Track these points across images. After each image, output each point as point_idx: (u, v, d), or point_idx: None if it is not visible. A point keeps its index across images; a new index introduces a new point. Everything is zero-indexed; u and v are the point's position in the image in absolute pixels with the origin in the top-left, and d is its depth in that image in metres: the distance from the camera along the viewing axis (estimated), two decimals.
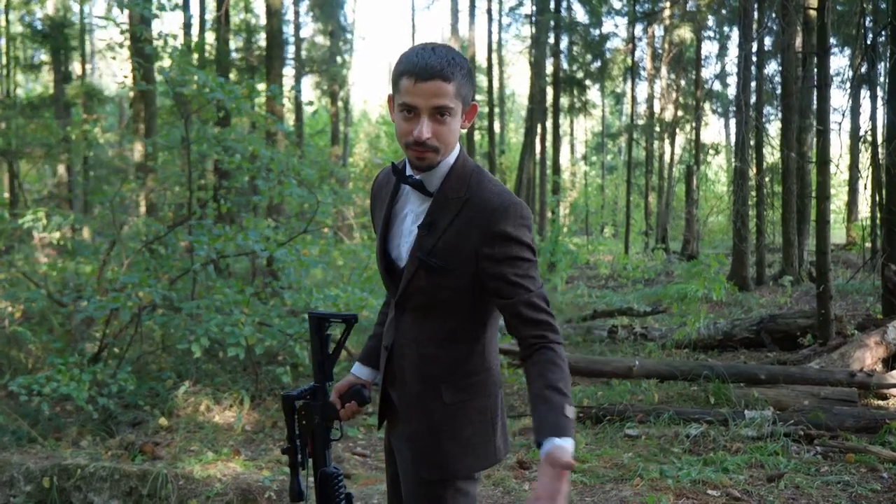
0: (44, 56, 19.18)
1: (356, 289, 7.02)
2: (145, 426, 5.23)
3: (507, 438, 1.99)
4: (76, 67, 20.77)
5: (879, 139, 8.72)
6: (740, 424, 5.26)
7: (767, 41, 17.18)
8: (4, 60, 18.68)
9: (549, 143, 23.11)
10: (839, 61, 25.74)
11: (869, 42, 7.90)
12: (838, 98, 31.58)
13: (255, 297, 5.91)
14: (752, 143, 14.22)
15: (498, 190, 1.80)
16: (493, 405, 1.91)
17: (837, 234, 34.32)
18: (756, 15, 13.68)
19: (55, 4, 17.76)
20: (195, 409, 5.66)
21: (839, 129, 13.83)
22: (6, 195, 17.31)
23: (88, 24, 19.53)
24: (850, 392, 5.87)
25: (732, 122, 35.91)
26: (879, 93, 9.98)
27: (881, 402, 6.12)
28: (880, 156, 7.85)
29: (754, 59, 13.78)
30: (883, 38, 8.52)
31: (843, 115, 13.48)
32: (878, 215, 13.01)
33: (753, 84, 14.20)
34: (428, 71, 1.69)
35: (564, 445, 1.58)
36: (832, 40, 25.66)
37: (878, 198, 11.66)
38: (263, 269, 8.21)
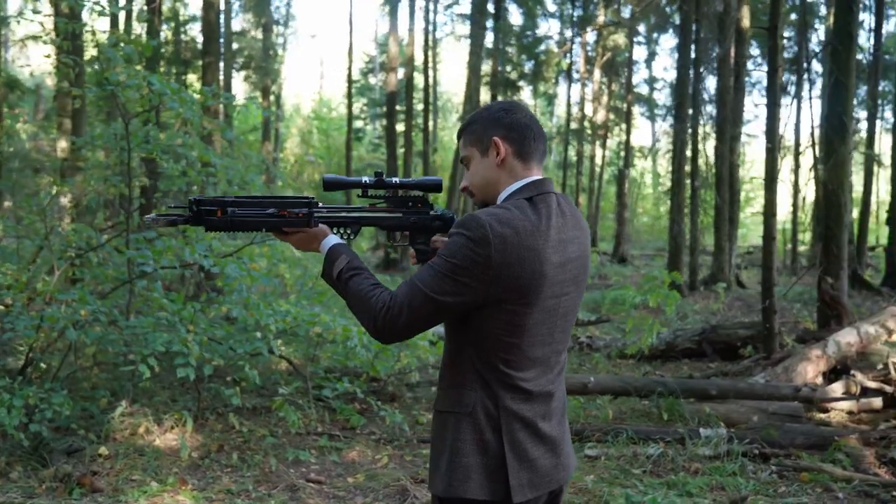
0: None
1: (303, 300, 6.79)
2: (81, 454, 4.87)
3: (528, 480, 1.88)
4: None
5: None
6: (697, 444, 5.27)
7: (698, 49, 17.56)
8: None
9: None
10: (760, 73, 26.54)
11: (807, 63, 8.08)
12: (758, 103, 32.65)
13: (200, 312, 5.62)
14: (687, 151, 14.49)
15: (487, 209, 1.85)
16: (483, 429, 1.86)
17: (755, 236, 35.59)
18: (694, 27, 13.93)
19: None
20: (133, 431, 5.32)
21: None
22: None
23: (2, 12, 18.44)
24: (797, 407, 5.98)
25: (658, 125, 36.72)
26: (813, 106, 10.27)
27: (823, 416, 6.26)
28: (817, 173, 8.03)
29: (691, 69, 14.03)
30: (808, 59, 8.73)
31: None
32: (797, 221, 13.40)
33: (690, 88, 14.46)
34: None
35: (328, 243, 2.03)
36: (755, 51, 26.55)
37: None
38: (200, 281, 7.85)
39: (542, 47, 27.17)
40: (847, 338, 7.01)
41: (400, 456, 5.29)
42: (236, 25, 25.69)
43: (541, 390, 1.92)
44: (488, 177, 1.95)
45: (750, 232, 34.98)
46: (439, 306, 1.81)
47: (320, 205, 2.10)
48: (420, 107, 25.88)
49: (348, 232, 2.12)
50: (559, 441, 1.97)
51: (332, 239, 2.05)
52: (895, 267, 13.98)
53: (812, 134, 10.76)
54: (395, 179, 2.11)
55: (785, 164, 18.37)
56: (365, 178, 2.10)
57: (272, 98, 25.70)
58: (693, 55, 13.97)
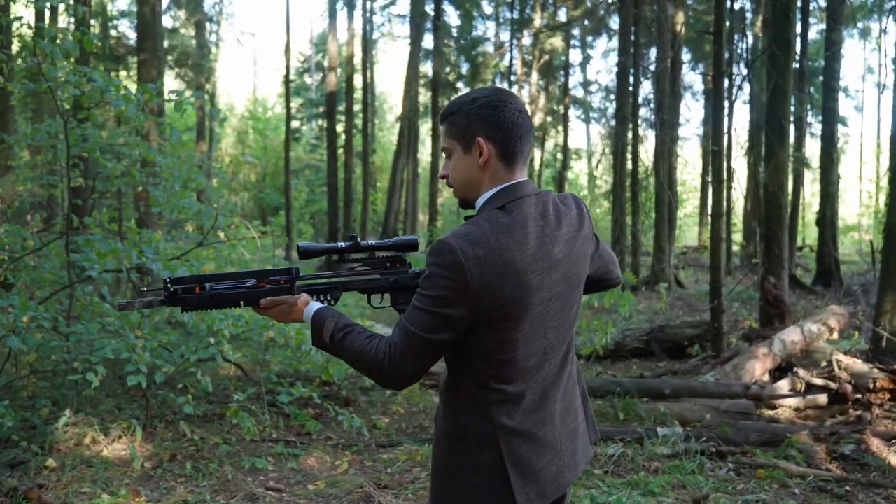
0: None
1: None
2: (26, 467, 4.62)
3: (536, 492, 1.84)
4: None
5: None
6: (655, 443, 5.32)
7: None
8: None
9: (425, 146, 23.08)
10: (694, 75, 27.26)
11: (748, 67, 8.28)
12: (694, 107, 33.49)
13: (146, 318, 5.40)
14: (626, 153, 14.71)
15: (457, 230, 1.79)
16: (476, 451, 1.82)
17: (689, 236, 36.52)
18: (633, 32, 14.16)
19: None
20: (79, 442, 5.08)
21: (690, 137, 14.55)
22: None
23: None
24: (748, 405, 6.11)
25: (594, 128, 37.35)
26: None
27: (771, 413, 6.40)
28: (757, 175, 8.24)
29: (631, 73, 14.26)
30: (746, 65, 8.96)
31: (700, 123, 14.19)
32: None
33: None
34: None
35: (311, 310, 1.95)
36: (689, 55, 27.08)
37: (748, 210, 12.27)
38: (140, 285, 7.56)
39: (480, 49, 27.33)
40: (792, 336, 7.20)
41: (360, 461, 5.18)
42: (167, 22, 25.03)
43: (536, 398, 1.88)
44: (470, 177, 1.89)
45: (682, 233, 35.82)
46: (436, 344, 1.77)
47: (301, 273, 2.06)
48: (358, 107, 25.67)
49: (328, 298, 2.08)
50: (562, 444, 1.93)
51: (315, 305, 1.99)
52: (826, 266, 14.49)
53: (750, 137, 11.06)
54: (371, 241, 2.09)
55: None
56: (340, 244, 2.06)
57: (206, 97, 25.13)
58: (632, 59, 14.21)
